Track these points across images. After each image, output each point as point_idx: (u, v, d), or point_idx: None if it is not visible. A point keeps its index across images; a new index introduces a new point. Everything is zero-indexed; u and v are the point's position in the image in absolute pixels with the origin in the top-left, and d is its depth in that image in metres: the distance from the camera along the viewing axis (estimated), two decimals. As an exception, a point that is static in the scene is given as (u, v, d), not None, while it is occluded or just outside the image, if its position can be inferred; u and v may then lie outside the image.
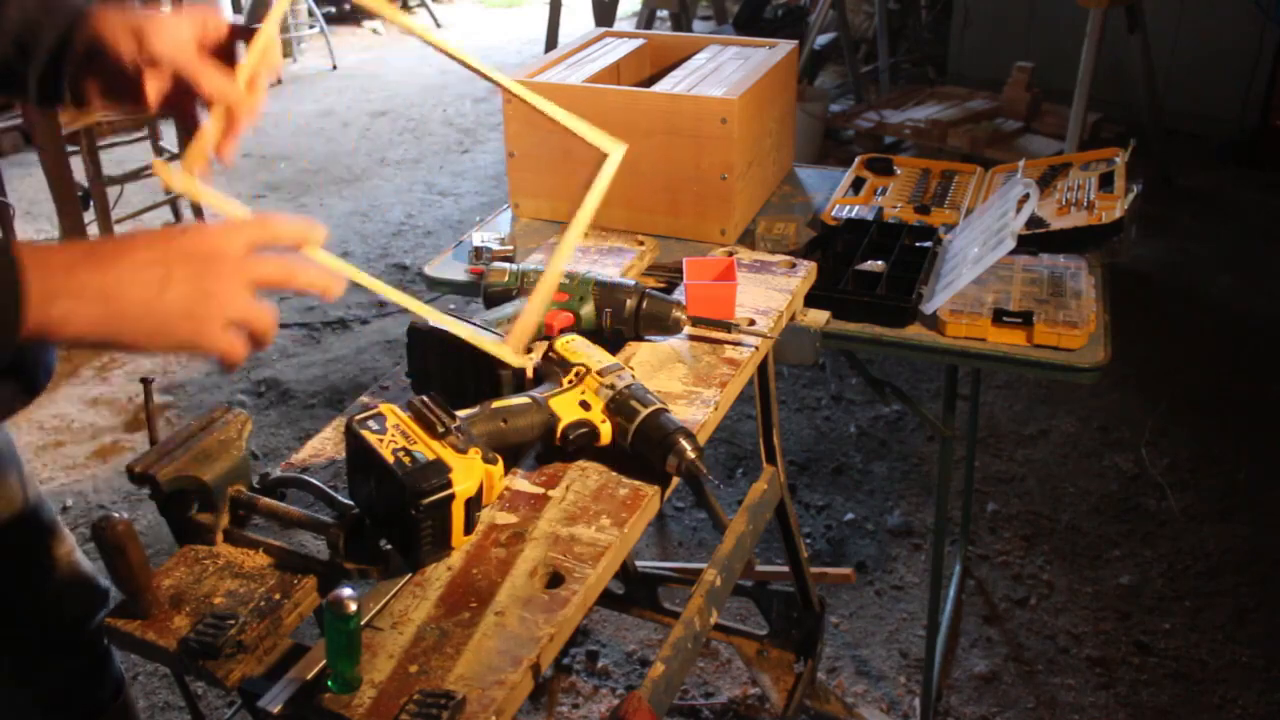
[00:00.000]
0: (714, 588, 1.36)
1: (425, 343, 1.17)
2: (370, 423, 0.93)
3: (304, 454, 1.11)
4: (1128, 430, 2.92)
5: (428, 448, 0.90)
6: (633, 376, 1.09)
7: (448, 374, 1.16)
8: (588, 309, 1.28)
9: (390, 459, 0.89)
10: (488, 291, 1.32)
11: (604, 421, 1.05)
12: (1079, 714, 2.09)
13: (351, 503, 0.96)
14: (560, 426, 1.04)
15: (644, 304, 1.27)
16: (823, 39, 5.08)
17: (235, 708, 2.05)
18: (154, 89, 0.95)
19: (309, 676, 0.84)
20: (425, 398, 0.95)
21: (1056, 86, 4.39)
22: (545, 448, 1.07)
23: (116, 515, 0.85)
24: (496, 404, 1.03)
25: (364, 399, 1.21)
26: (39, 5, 0.95)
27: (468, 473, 0.89)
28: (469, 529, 0.91)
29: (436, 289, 1.73)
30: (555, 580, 0.93)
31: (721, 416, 1.21)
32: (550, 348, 1.12)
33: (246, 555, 0.96)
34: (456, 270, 1.72)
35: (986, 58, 5.10)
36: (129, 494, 2.70)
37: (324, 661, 0.83)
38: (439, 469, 0.88)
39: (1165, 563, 2.46)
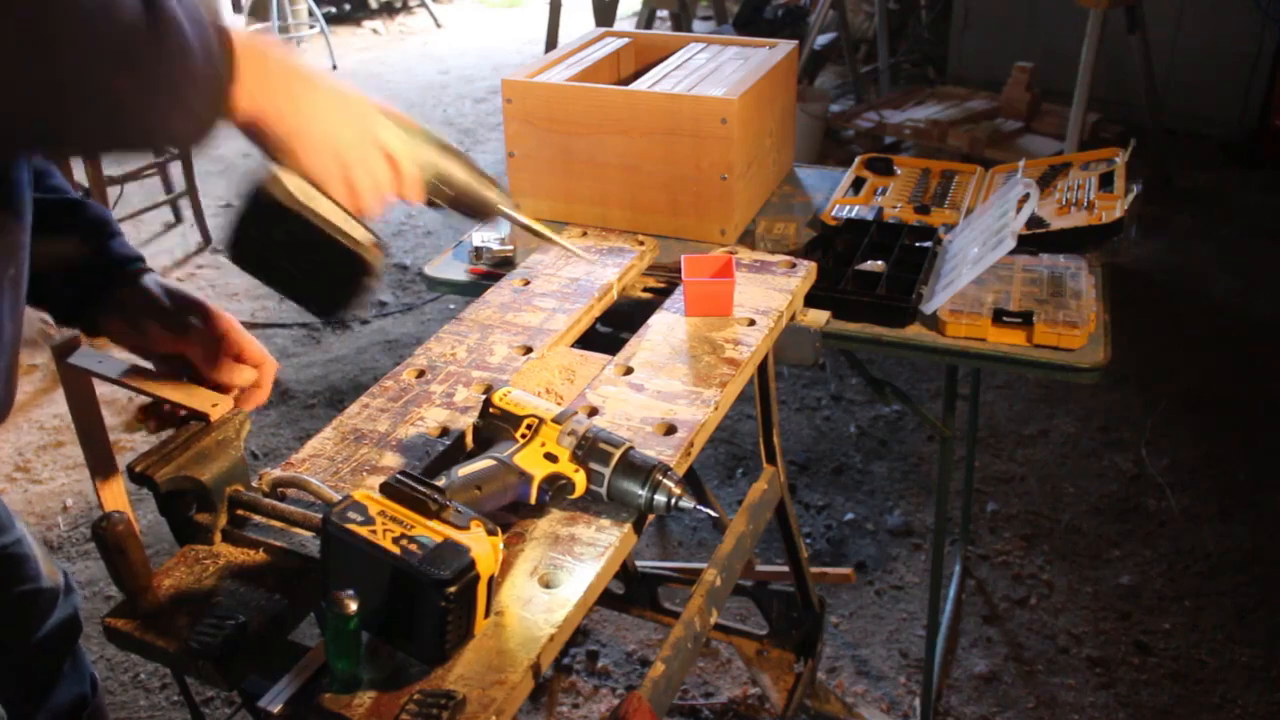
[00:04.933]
0: (714, 588, 1.36)
1: (265, 210, 0.93)
2: (350, 514, 0.83)
3: (304, 454, 1.11)
4: (1128, 430, 2.92)
5: (429, 530, 0.82)
6: (588, 419, 1.04)
7: (285, 255, 0.96)
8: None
9: (396, 550, 0.80)
10: None
11: (576, 471, 0.99)
12: (1079, 714, 2.09)
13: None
14: (536, 483, 0.98)
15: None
16: (823, 39, 5.08)
17: (235, 708, 2.05)
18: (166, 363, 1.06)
19: (309, 676, 0.84)
20: (400, 475, 0.86)
21: (1056, 86, 4.39)
22: (514, 507, 1.01)
23: (117, 515, 0.85)
24: (464, 471, 0.97)
25: (363, 399, 1.21)
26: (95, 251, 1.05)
27: (484, 548, 0.82)
28: (489, 611, 0.85)
29: (436, 289, 1.73)
30: (555, 580, 0.93)
31: (721, 416, 1.21)
32: (488, 404, 1.04)
33: (246, 555, 0.96)
34: (456, 270, 1.72)
35: (986, 58, 5.10)
36: (129, 494, 2.70)
37: (324, 661, 0.83)
38: (457, 551, 0.80)
39: (1165, 563, 2.46)
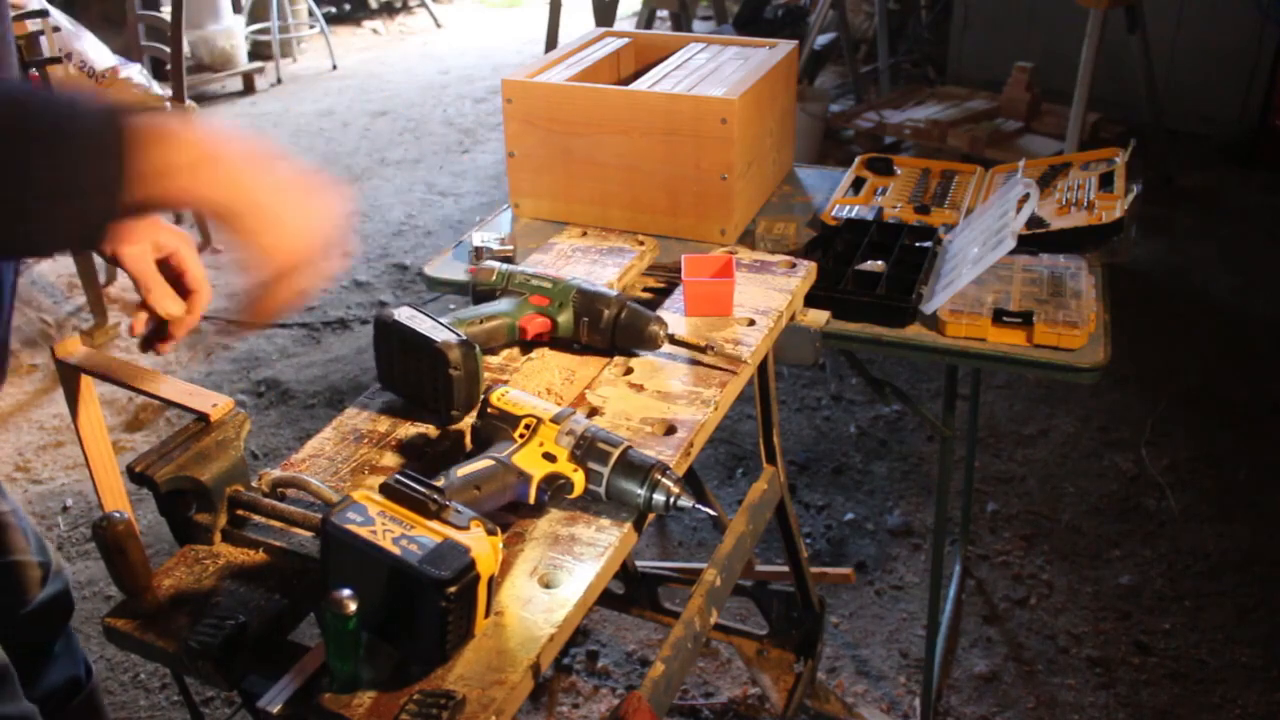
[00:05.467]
0: (714, 588, 1.36)
1: (388, 337, 1.16)
2: (350, 515, 0.83)
3: (304, 454, 1.11)
4: (1128, 430, 2.92)
5: (429, 530, 0.82)
6: (586, 419, 1.04)
7: (408, 372, 1.15)
8: (566, 316, 1.25)
9: (396, 550, 0.80)
10: (475, 289, 1.33)
11: (575, 470, 0.99)
12: (1079, 714, 2.09)
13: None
14: (534, 483, 0.98)
15: (622, 315, 1.24)
16: (823, 39, 5.07)
17: (235, 708, 2.05)
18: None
19: (309, 676, 0.84)
20: (399, 477, 0.86)
21: (1056, 86, 4.39)
22: (513, 507, 1.01)
23: (117, 515, 0.85)
24: (462, 471, 0.97)
25: (362, 399, 1.21)
26: None
27: (484, 548, 0.82)
28: (489, 611, 0.85)
29: (436, 289, 1.73)
30: (555, 580, 0.93)
31: (721, 416, 1.21)
32: (487, 403, 1.05)
33: (246, 555, 0.96)
34: (456, 270, 1.72)
35: (986, 58, 5.10)
36: (129, 494, 2.70)
37: (324, 661, 0.83)
38: (457, 551, 0.80)
39: (1165, 563, 2.46)
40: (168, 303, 1.05)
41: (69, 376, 1.02)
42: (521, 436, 1.02)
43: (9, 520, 1.35)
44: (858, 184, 1.97)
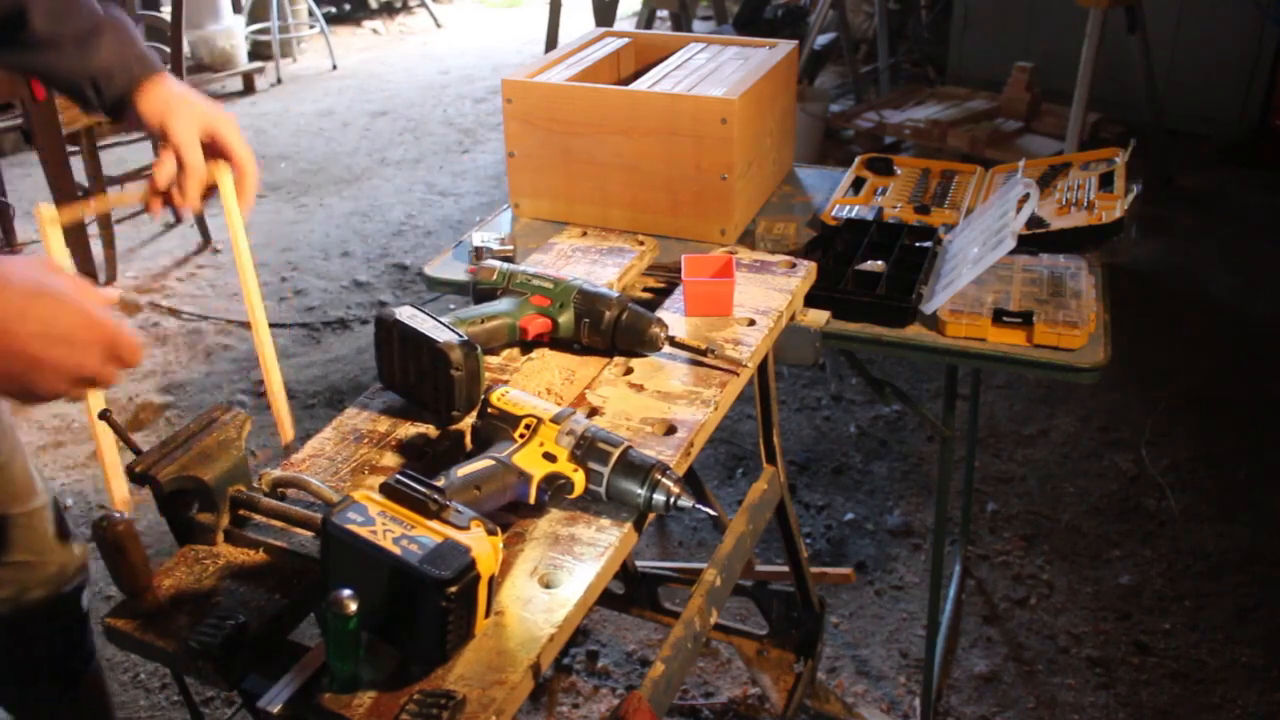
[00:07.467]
0: (714, 588, 1.36)
1: (389, 335, 1.16)
2: (350, 515, 0.83)
3: (304, 454, 1.11)
4: (1128, 430, 2.92)
5: (430, 530, 0.82)
6: (586, 419, 1.04)
7: (409, 372, 1.15)
8: (566, 317, 1.26)
9: (396, 550, 0.80)
10: (476, 289, 1.33)
11: (575, 470, 0.99)
12: (1079, 714, 2.09)
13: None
14: (535, 483, 0.98)
15: (623, 317, 1.24)
16: (823, 39, 5.07)
17: (235, 708, 2.05)
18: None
19: (309, 676, 0.84)
20: (399, 476, 0.86)
21: (1056, 86, 4.39)
22: (513, 507, 1.01)
23: (117, 515, 0.85)
24: (463, 471, 0.97)
25: (363, 399, 1.21)
26: (122, 56, 1.18)
27: (484, 548, 0.82)
28: (489, 611, 0.85)
29: (436, 289, 1.73)
30: (555, 580, 0.93)
31: (721, 416, 1.21)
32: (487, 403, 1.05)
33: (247, 555, 0.96)
34: (456, 270, 1.72)
35: (986, 58, 5.10)
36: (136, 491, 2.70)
37: (324, 661, 0.83)
38: (458, 551, 0.80)
39: (1165, 563, 2.46)
40: (196, 161, 1.16)
41: None
42: (522, 436, 1.02)
43: (44, 517, 1.40)
44: (858, 184, 1.97)
